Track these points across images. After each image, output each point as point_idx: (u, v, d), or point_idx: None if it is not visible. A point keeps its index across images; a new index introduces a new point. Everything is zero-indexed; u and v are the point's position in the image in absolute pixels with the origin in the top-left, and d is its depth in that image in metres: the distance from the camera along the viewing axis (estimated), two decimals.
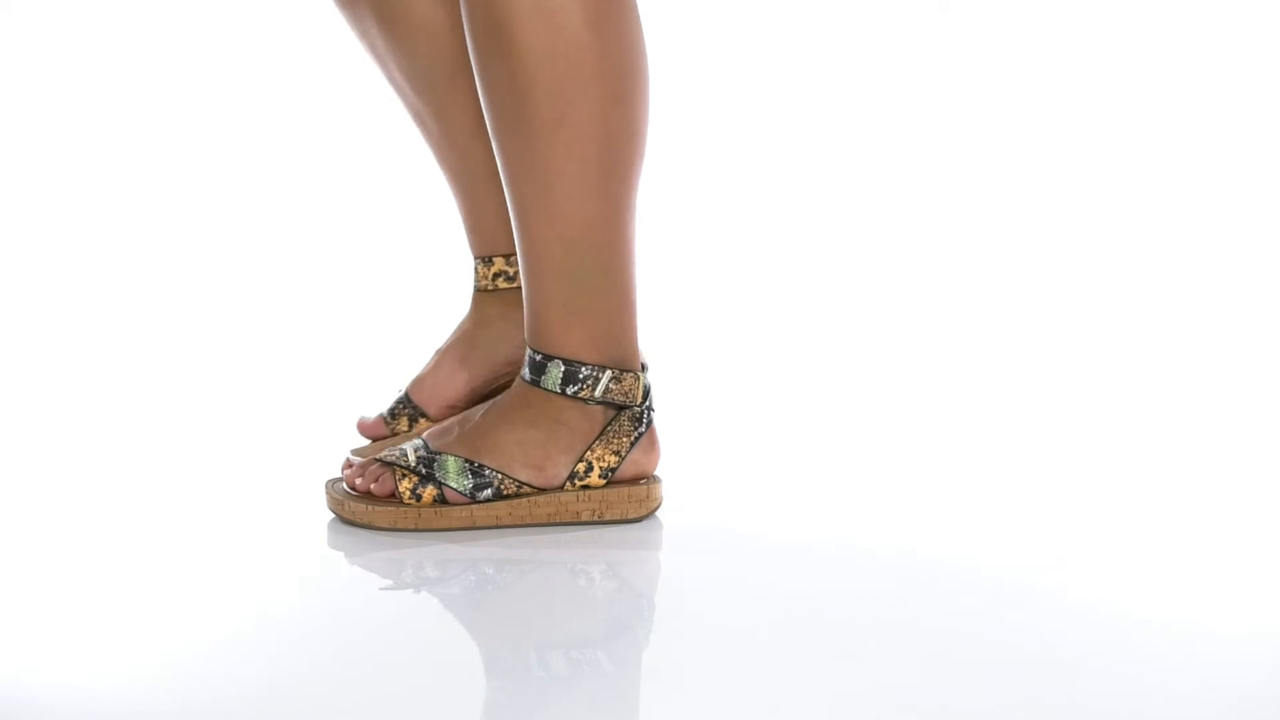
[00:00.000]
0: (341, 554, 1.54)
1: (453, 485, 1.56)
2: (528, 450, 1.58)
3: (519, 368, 1.61)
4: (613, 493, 1.59)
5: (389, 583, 1.48)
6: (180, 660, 1.28)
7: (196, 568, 1.51)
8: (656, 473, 1.63)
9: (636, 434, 1.59)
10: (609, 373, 1.57)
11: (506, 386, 1.67)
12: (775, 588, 1.47)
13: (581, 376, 1.57)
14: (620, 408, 1.59)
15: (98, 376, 2.24)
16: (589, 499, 1.59)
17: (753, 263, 2.76)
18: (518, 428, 1.58)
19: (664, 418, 1.70)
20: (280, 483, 1.75)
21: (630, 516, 1.60)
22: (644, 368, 1.61)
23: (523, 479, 1.58)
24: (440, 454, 1.58)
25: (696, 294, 2.59)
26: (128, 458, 1.87)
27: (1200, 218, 2.74)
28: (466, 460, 1.57)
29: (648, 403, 1.60)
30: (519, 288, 1.62)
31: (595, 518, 1.59)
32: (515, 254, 1.61)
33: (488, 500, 1.57)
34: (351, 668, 1.27)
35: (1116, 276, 2.61)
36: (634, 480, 1.61)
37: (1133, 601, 1.41)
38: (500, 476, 1.57)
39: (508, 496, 1.58)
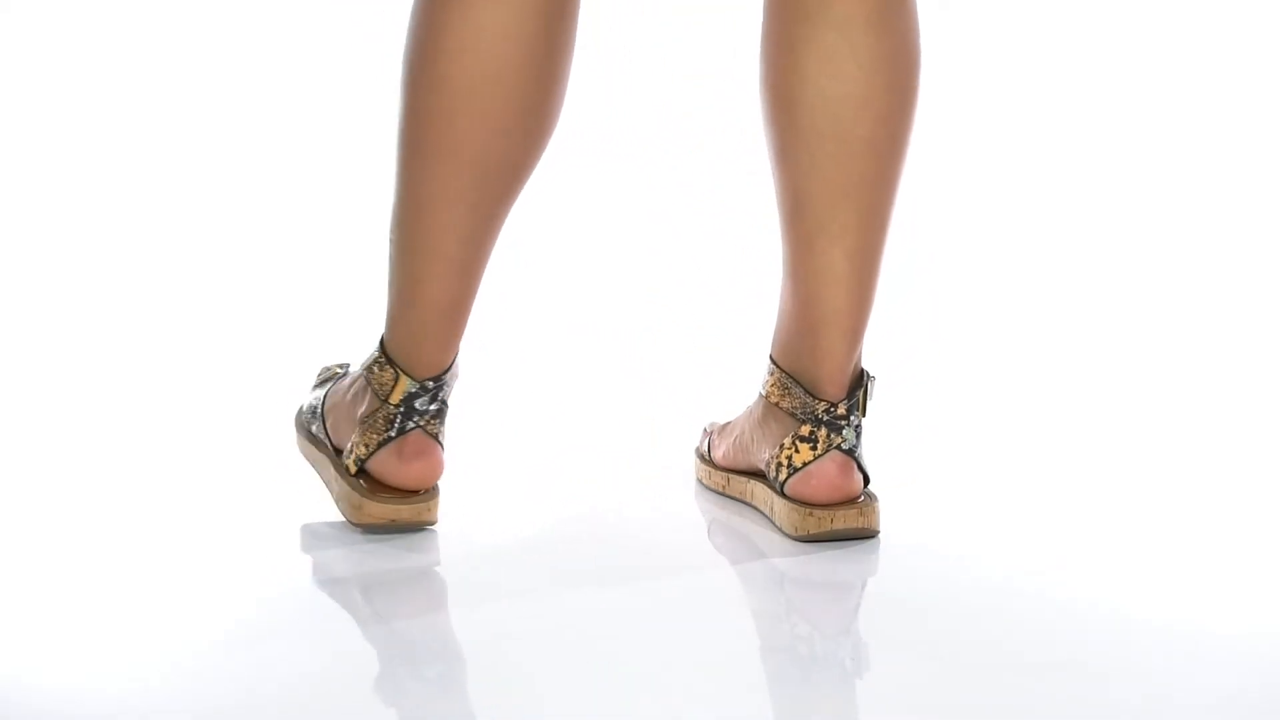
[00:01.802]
0: (339, 554, 1.55)
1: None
2: (336, 411, 1.62)
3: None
4: (350, 483, 1.58)
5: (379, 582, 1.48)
6: (181, 661, 1.28)
7: (197, 570, 1.51)
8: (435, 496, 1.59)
9: (385, 435, 1.57)
10: (375, 355, 1.58)
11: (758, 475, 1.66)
12: (774, 587, 1.47)
13: (371, 352, 1.59)
14: (383, 400, 1.58)
15: (100, 380, 2.24)
16: (343, 483, 1.59)
17: (749, 258, 2.76)
18: (344, 391, 1.63)
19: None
20: (280, 486, 1.75)
21: (347, 516, 1.58)
22: (436, 385, 1.56)
23: (324, 435, 1.63)
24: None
25: (700, 291, 2.59)
26: (128, 460, 1.87)
27: (1200, 217, 2.74)
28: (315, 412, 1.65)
29: (401, 409, 1.56)
30: (773, 403, 1.61)
31: (335, 500, 1.61)
32: (780, 372, 1.60)
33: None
34: (345, 664, 1.27)
35: (1117, 276, 2.61)
36: (386, 482, 1.58)
37: (1133, 601, 1.41)
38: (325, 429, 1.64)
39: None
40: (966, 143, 2.83)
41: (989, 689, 1.22)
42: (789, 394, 1.57)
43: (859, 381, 1.57)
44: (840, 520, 1.53)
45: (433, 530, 1.57)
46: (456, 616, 1.41)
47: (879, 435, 1.67)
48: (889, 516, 1.56)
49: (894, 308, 1.77)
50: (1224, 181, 2.77)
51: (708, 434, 1.73)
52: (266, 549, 1.56)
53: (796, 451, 1.55)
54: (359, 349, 1.64)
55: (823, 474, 1.54)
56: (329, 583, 1.48)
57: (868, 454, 1.59)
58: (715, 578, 1.51)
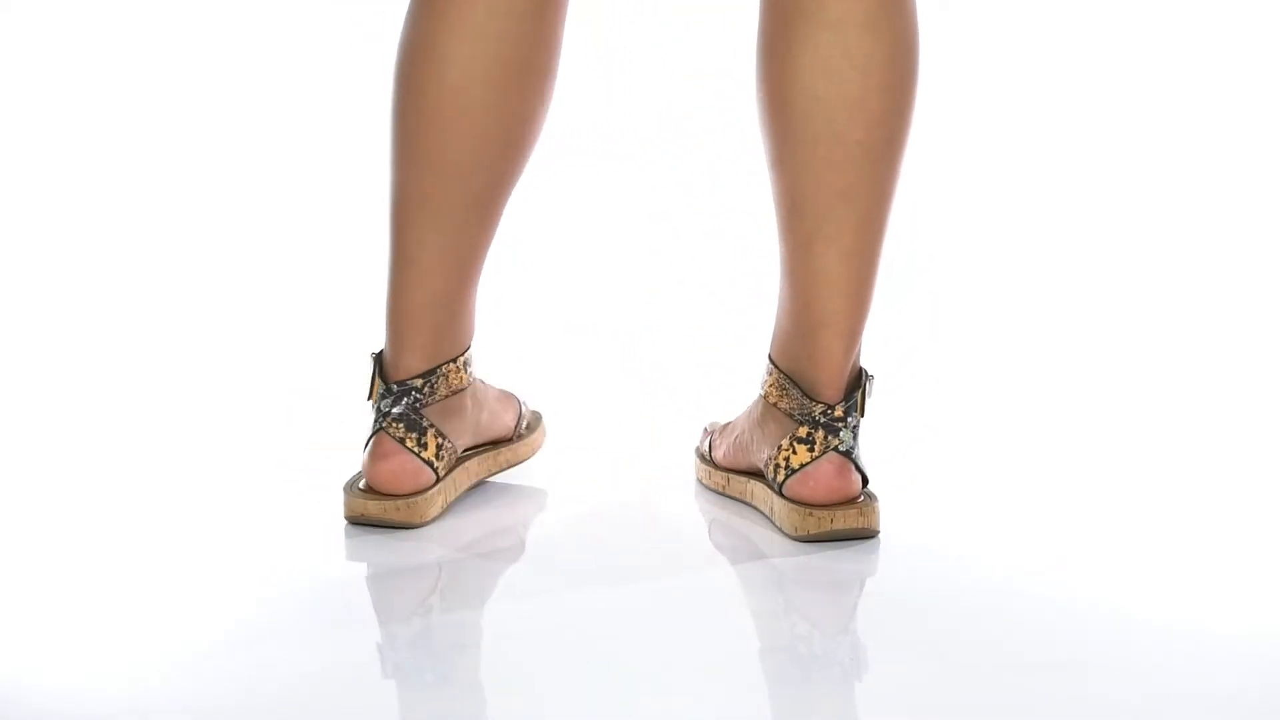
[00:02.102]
0: (344, 553, 1.55)
1: None
2: None
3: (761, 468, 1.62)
4: (352, 478, 1.60)
5: (393, 583, 1.48)
6: (181, 661, 1.28)
7: (196, 571, 1.51)
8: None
9: (370, 434, 1.59)
10: (375, 353, 1.60)
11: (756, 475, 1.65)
12: (774, 587, 1.47)
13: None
14: (368, 397, 1.60)
15: (100, 380, 2.24)
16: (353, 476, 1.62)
17: (749, 258, 2.76)
18: None
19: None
20: (280, 486, 1.75)
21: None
22: (401, 390, 1.57)
23: None
24: None
25: (700, 291, 2.59)
26: (128, 460, 1.87)
27: (1200, 217, 2.74)
28: None
29: (375, 408, 1.58)
30: (771, 403, 1.61)
31: None
32: (778, 373, 1.60)
33: None
34: (345, 664, 1.27)
35: (1116, 276, 2.61)
36: (365, 482, 1.59)
37: (1133, 601, 1.41)
38: None
39: None
40: (966, 144, 2.83)
41: (989, 689, 1.22)
42: (787, 395, 1.57)
43: (857, 382, 1.57)
44: (840, 520, 1.53)
45: (431, 530, 1.57)
46: (456, 616, 1.41)
47: (879, 436, 1.67)
48: (889, 516, 1.56)
49: (893, 309, 1.77)
50: (1223, 182, 2.77)
51: (708, 434, 1.73)
52: (266, 549, 1.56)
53: (794, 453, 1.55)
54: (359, 349, 1.64)
55: (820, 475, 1.54)
56: (329, 583, 1.48)
57: (868, 454, 1.59)
58: (715, 578, 1.51)
